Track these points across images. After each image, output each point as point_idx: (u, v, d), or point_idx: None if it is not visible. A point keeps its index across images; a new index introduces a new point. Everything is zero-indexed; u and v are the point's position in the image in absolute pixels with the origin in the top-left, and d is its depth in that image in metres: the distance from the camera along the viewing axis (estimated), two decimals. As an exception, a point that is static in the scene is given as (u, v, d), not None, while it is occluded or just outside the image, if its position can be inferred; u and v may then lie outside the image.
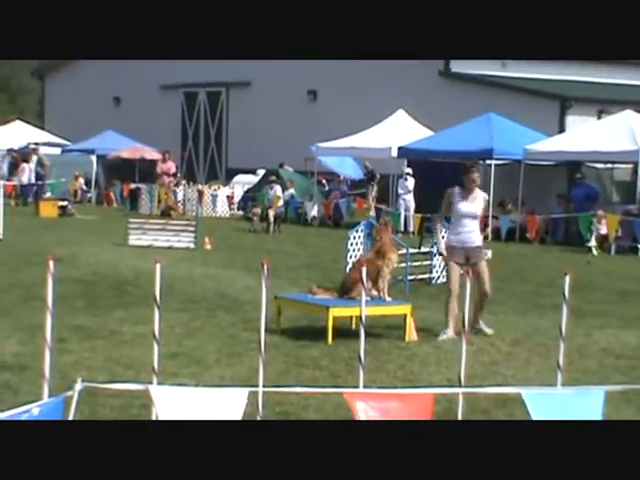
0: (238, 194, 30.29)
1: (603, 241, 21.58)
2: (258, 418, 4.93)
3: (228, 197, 29.98)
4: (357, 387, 5.65)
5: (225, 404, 3.93)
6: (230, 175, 36.31)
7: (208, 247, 18.84)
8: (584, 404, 4.33)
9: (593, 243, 21.02)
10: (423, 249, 15.67)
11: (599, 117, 29.63)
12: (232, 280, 14.10)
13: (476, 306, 10.26)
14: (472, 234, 10.39)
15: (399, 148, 26.07)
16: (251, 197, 28.03)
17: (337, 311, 9.88)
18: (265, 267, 5.08)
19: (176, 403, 3.90)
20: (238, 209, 29.58)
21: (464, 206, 10.33)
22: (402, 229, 23.81)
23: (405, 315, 10.12)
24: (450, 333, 10.16)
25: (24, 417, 3.64)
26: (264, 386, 4.87)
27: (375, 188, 29.64)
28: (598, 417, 4.21)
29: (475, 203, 10.37)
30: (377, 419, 4.33)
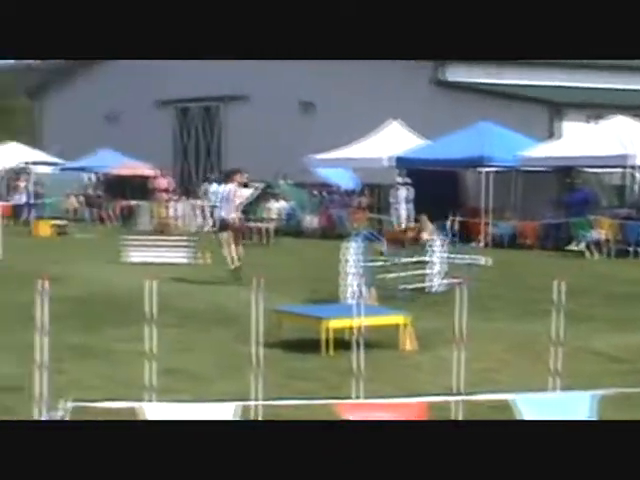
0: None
1: (599, 246, 21.59)
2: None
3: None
4: (352, 398, 5.65)
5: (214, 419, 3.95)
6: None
7: (206, 261, 18.81)
8: (574, 408, 4.37)
9: (582, 247, 21.24)
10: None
11: (592, 122, 29.60)
12: (230, 294, 14.11)
13: None
14: None
15: (398, 158, 26.17)
16: (248, 210, 28.04)
17: (333, 323, 9.90)
18: (260, 281, 5.13)
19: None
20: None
21: None
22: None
23: (402, 325, 10.14)
24: None
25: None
26: (258, 399, 4.89)
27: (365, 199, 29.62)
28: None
29: None
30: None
